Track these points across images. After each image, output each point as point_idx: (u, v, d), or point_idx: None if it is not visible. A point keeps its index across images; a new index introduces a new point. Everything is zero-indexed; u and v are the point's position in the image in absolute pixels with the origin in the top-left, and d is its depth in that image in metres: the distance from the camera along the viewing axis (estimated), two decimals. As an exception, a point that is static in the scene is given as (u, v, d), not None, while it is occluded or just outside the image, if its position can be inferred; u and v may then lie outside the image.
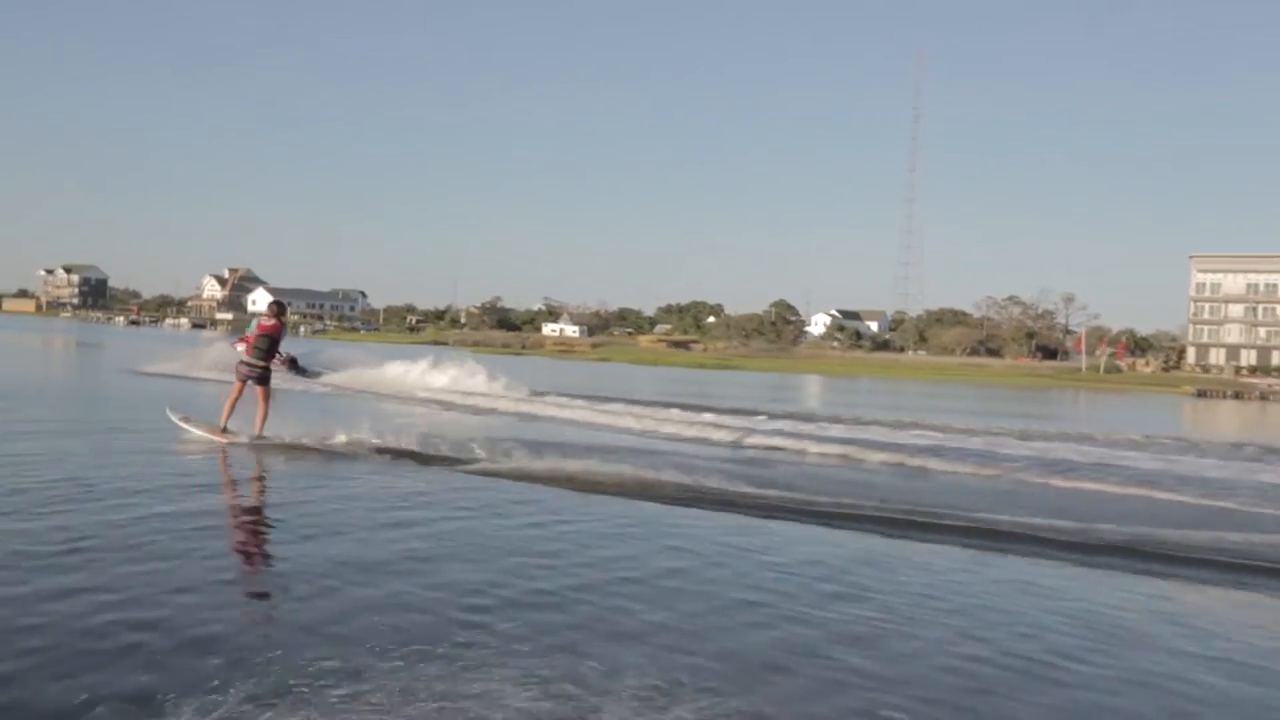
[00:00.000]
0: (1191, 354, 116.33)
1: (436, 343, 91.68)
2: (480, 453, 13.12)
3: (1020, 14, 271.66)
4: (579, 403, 22.94)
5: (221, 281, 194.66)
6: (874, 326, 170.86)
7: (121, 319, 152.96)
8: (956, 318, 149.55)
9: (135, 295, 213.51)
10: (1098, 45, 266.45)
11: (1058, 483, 14.08)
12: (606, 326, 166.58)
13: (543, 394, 25.53)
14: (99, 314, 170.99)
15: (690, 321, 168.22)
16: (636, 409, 22.83)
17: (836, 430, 20.08)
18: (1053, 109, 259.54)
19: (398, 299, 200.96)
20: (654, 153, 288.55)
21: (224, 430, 13.71)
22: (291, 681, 4.80)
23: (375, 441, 13.69)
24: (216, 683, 4.75)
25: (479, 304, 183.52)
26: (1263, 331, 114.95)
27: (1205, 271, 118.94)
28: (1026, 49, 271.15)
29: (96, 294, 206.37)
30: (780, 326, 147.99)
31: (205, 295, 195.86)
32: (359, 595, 6.43)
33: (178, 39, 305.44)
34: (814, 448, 17.02)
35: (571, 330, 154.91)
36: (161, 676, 4.82)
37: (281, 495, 10.00)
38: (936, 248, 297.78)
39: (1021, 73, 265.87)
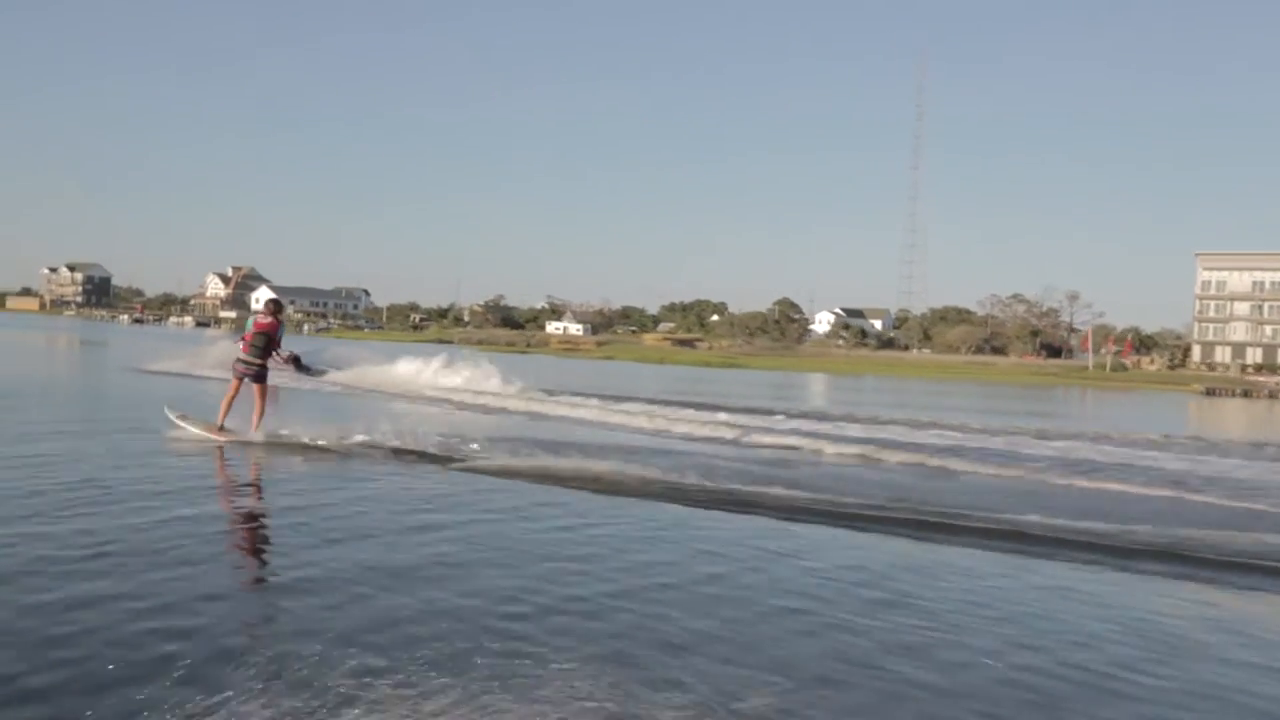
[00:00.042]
0: (1197, 352, 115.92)
1: (441, 341, 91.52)
2: (499, 454, 12.95)
3: (1020, 14, 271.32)
4: (593, 402, 22.75)
5: (225, 280, 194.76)
6: (877, 325, 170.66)
7: (125, 317, 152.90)
8: (960, 316, 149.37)
9: (139, 293, 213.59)
10: (1098, 45, 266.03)
11: (1082, 483, 13.89)
12: (610, 324, 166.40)
13: (555, 393, 25.34)
14: (103, 312, 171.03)
15: (694, 320, 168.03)
16: (651, 408, 22.65)
17: (854, 430, 19.90)
18: (1053, 108, 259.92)
19: (401, 297, 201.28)
20: (654, 152, 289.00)
21: (221, 429, 13.61)
22: (333, 694, 4.64)
23: (393, 442, 13.54)
24: (257, 695, 4.58)
25: (482, 302, 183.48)
26: (1269, 329, 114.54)
27: (1211, 269, 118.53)
28: (1026, 49, 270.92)
29: (100, 292, 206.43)
30: (784, 325, 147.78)
31: (209, 293, 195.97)
32: (394, 603, 6.26)
33: (180, 38, 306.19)
34: (833, 448, 16.83)
35: (575, 328, 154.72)
36: (199, 689, 4.66)
37: (303, 498, 9.81)
38: (939, 246, 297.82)
39: (1021, 72, 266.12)
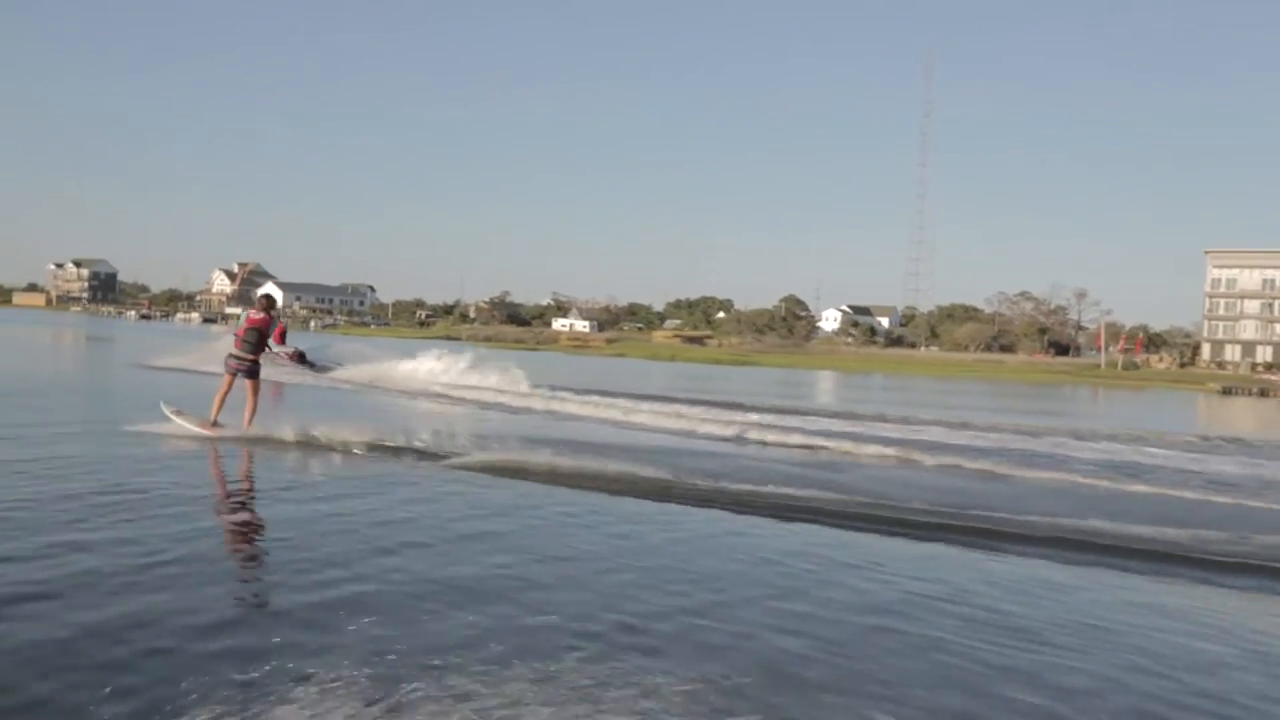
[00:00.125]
0: (1206, 350, 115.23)
1: (449, 338, 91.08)
2: (538, 456, 12.55)
3: (1020, 14, 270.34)
4: (622, 401, 22.35)
5: (231, 276, 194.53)
6: (884, 322, 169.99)
7: (132, 313, 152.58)
8: (968, 313, 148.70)
9: (144, 289, 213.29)
10: (1098, 45, 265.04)
11: (1138, 488, 13.49)
12: (616, 321, 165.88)
13: (583, 393, 24.95)
14: (110, 308, 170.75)
15: (700, 317, 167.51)
16: (678, 408, 22.27)
17: (889, 430, 19.52)
18: (1053, 108, 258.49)
19: (405, 293, 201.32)
20: (655, 152, 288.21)
21: (214, 424, 13.44)
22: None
23: (427, 444, 13.20)
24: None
25: (487, 299, 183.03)
26: (1279, 328, 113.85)
27: (1221, 267, 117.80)
28: (1026, 49, 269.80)
29: (106, 288, 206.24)
30: (791, 322, 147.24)
31: (215, 290, 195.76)
32: (468, 621, 5.89)
33: (182, 36, 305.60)
34: (871, 449, 16.46)
35: (581, 325, 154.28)
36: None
37: (344, 503, 9.44)
38: (944, 244, 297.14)
39: (1022, 72, 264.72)
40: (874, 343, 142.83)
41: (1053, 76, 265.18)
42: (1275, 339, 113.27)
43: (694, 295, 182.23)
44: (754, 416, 20.68)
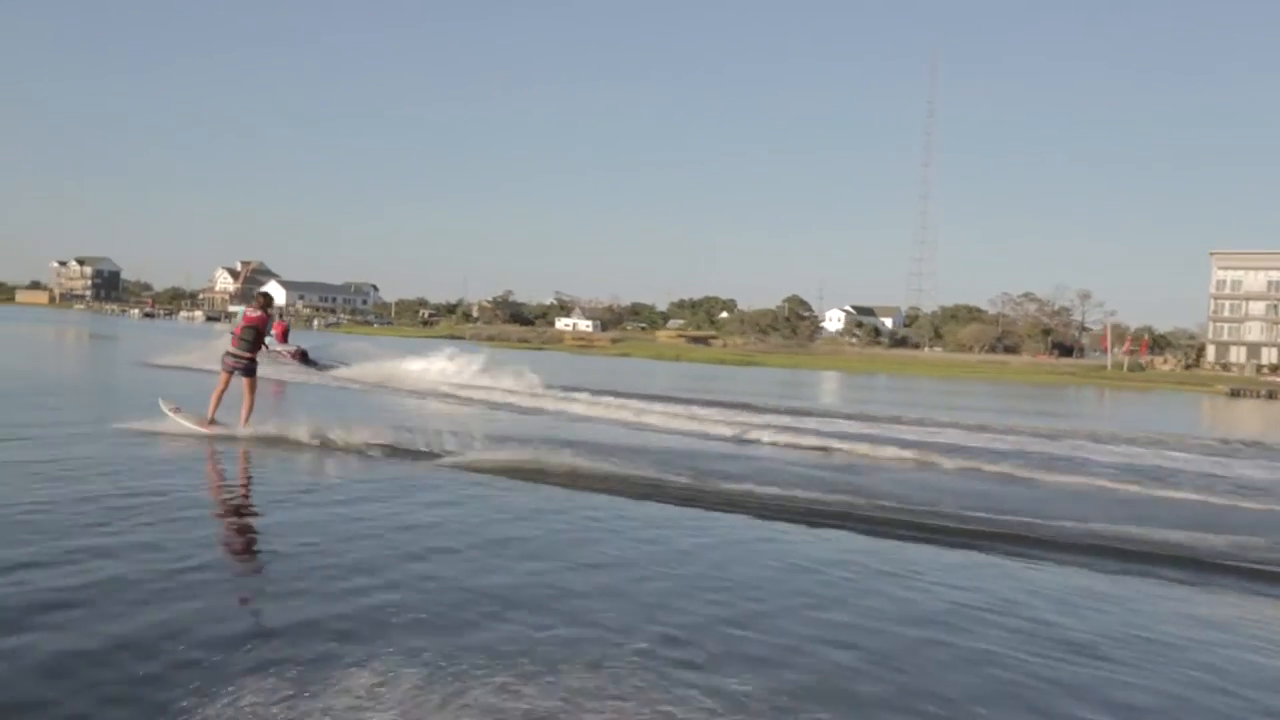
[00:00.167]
0: (1211, 352, 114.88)
1: (453, 337, 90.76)
2: (557, 458, 12.36)
3: (1021, 14, 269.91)
4: (634, 402, 22.15)
5: (234, 274, 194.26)
6: (888, 323, 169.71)
7: (136, 311, 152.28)
8: (971, 314, 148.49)
9: (147, 288, 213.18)
10: (1098, 45, 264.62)
11: (1166, 493, 13.28)
12: (620, 321, 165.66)
13: (598, 393, 24.73)
14: (114, 306, 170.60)
15: (704, 317, 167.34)
16: (692, 409, 22.08)
17: (905, 432, 19.32)
18: (1054, 108, 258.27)
19: (408, 292, 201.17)
20: (656, 152, 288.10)
21: (211, 422, 13.35)
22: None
23: (443, 444, 13.02)
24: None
25: (490, 298, 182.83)
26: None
27: (1226, 268, 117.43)
28: (1027, 49, 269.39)
29: (109, 286, 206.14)
30: (794, 322, 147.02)
31: (218, 288, 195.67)
32: (508, 633, 5.70)
33: (182, 36, 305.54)
34: (889, 451, 16.26)
35: (584, 324, 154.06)
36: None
37: (365, 507, 9.26)
38: (946, 244, 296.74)
39: (1023, 72, 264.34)
40: (878, 343, 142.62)
41: (1054, 77, 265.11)
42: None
43: (697, 295, 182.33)
44: (767, 417, 20.49)
